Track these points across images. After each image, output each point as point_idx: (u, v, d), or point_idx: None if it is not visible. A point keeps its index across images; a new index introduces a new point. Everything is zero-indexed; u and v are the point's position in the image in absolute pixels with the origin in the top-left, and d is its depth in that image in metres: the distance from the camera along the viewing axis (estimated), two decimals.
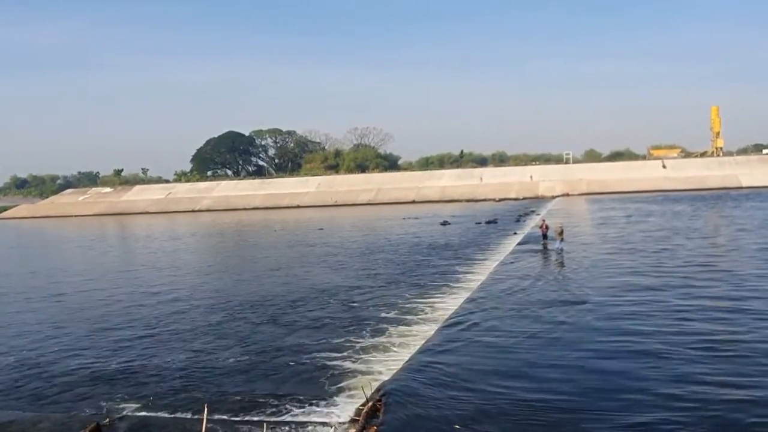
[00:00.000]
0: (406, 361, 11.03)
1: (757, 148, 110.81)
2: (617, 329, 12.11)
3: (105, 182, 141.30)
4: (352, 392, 9.76)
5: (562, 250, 23.58)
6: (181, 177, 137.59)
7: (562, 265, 21.08)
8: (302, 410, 9.17)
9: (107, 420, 9.09)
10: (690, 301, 14.11)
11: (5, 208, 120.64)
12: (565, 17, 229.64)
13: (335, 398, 9.60)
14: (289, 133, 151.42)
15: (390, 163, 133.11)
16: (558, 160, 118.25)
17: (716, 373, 9.32)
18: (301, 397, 9.66)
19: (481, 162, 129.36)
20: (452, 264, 23.58)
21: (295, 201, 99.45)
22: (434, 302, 16.46)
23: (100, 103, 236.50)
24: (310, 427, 8.60)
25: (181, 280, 23.36)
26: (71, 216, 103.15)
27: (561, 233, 24.19)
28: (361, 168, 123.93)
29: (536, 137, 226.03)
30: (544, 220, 28.21)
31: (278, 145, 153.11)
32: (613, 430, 7.64)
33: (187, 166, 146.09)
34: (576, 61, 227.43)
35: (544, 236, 26.28)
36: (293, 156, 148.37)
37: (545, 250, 24.54)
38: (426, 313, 15.19)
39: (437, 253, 27.43)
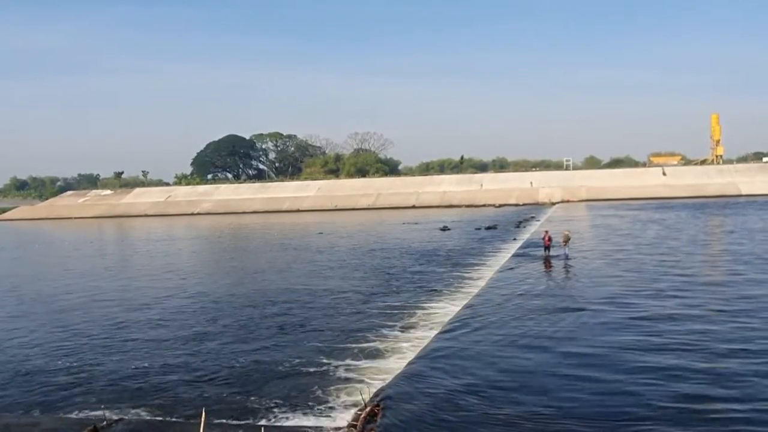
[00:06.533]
0: (405, 367, 11.02)
1: (757, 157, 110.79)
2: (615, 336, 12.11)
3: (105, 184, 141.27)
4: (350, 397, 9.74)
5: (566, 256, 23.56)
6: (182, 180, 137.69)
7: (561, 271, 21.07)
8: (300, 415, 9.16)
9: (104, 423, 9.07)
10: (684, 310, 14.11)
11: (4, 210, 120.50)
12: (565, 24, 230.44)
13: (333, 403, 9.58)
14: (290, 137, 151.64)
15: (390, 168, 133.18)
16: (558, 166, 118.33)
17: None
18: (299, 402, 9.64)
19: (482, 168, 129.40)
20: (451, 270, 23.56)
21: (295, 205, 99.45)
22: (433, 308, 16.44)
23: (100, 106, 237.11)
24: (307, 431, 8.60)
25: (175, 283, 23.34)
26: (70, 218, 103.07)
27: (567, 240, 24.15)
28: (362, 173, 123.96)
29: (536, 144, 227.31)
30: (546, 232, 25.91)
31: (279, 149, 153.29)
32: None
33: (188, 170, 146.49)
34: (577, 68, 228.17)
35: (546, 248, 24.50)
36: (294, 160, 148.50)
37: (547, 261, 23.39)
38: (425, 319, 15.17)
39: (437, 258, 27.41)
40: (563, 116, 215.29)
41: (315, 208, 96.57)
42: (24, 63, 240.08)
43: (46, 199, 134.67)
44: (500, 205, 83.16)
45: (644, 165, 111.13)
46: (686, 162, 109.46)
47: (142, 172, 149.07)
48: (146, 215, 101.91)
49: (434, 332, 13.51)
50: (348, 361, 11.68)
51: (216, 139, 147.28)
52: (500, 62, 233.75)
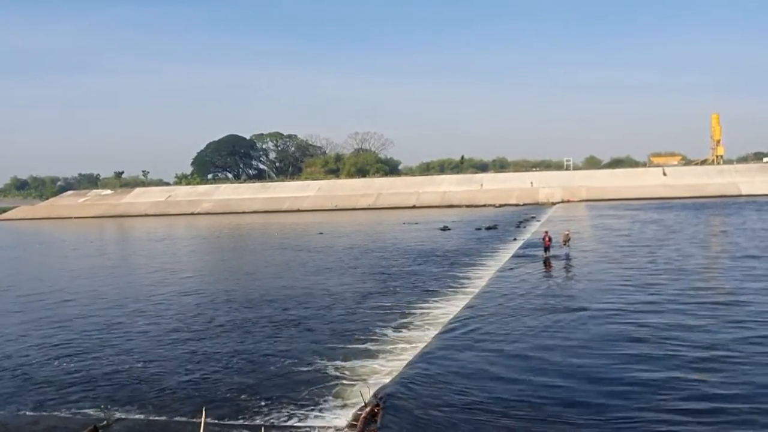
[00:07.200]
0: (405, 367, 11.01)
1: (758, 157, 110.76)
2: (615, 337, 12.11)
3: (105, 184, 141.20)
4: (349, 397, 9.74)
5: (567, 256, 23.54)
6: (182, 180, 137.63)
7: (562, 271, 21.07)
8: (300, 414, 9.15)
9: (105, 422, 9.07)
10: (685, 307, 14.11)
11: (4, 210, 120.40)
12: (565, 24, 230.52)
13: (332, 403, 9.58)
14: (290, 137, 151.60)
15: (390, 168, 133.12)
16: (558, 166, 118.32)
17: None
18: (297, 402, 9.63)
19: (482, 168, 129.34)
20: (451, 270, 23.54)
21: (296, 205, 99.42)
22: (433, 308, 16.43)
23: (101, 106, 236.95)
24: (308, 431, 8.60)
25: (173, 283, 23.32)
26: (70, 218, 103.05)
27: (567, 240, 24.12)
28: (362, 173, 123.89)
29: (537, 144, 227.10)
30: (546, 232, 25.65)
31: (279, 149, 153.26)
32: None
33: (188, 169, 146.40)
34: (577, 68, 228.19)
35: (546, 249, 24.27)
36: (294, 160, 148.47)
37: (547, 261, 23.19)
38: (426, 320, 15.16)
39: (437, 258, 27.40)
40: (563, 116, 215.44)
41: (315, 208, 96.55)
42: (24, 63, 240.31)
43: (47, 198, 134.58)
44: (500, 205, 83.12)
45: (644, 165, 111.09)
46: (686, 162, 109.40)
47: (143, 171, 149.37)
48: (146, 215, 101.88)
49: (434, 332, 13.50)
50: (346, 362, 11.65)
51: (216, 139, 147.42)
52: (500, 62, 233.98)
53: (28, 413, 9.81)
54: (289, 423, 8.89)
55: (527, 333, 12.67)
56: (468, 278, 21.31)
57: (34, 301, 20.44)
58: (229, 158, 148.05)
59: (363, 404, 9.14)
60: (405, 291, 19.23)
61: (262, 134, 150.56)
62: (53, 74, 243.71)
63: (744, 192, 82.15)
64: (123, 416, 9.39)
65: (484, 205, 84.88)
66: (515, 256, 25.98)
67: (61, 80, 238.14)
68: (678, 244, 27.37)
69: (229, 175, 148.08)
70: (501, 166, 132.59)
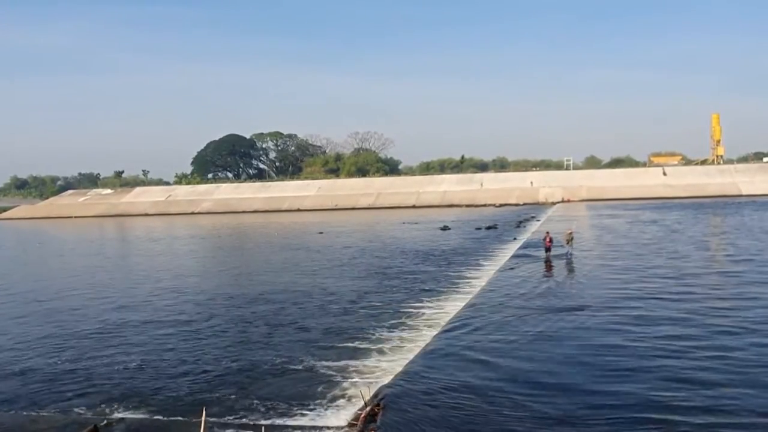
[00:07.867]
0: (405, 366, 11.01)
1: (758, 157, 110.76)
2: (615, 338, 12.10)
3: (105, 184, 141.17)
4: (350, 396, 9.73)
5: (569, 255, 23.57)
6: (182, 179, 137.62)
7: (562, 272, 21.07)
8: (300, 413, 9.14)
9: (105, 422, 9.06)
10: (683, 313, 14.11)
11: (4, 209, 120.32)
12: (565, 24, 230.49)
13: (333, 402, 9.57)
14: (290, 136, 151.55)
15: (390, 168, 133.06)
16: (558, 166, 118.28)
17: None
18: (299, 401, 9.62)
19: (482, 167, 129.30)
20: (451, 270, 23.54)
21: (296, 205, 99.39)
22: (433, 308, 16.42)
23: (101, 105, 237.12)
24: (308, 431, 8.58)
25: (171, 282, 23.32)
26: (71, 217, 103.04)
27: (570, 240, 24.17)
28: (362, 172, 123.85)
29: (537, 143, 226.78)
30: (548, 233, 25.23)
31: (279, 148, 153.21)
32: None
33: (188, 169, 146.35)
34: (577, 68, 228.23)
35: (548, 249, 23.99)
36: (294, 160, 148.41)
37: (548, 261, 23.08)
38: (425, 320, 15.15)
39: (437, 258, 27.40)
40: (563, 116, 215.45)
41: (315, 207, 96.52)
42: (24, 63, 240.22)
43: (47, 198, 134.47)
44: (500, 205, 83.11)
45: (644, 165, 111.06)
46: (687, 162, 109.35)
47: (143, 171, 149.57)
48: (147, 214, 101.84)
49: (434, 332, 13.50)
50: (344, 361, 11.64)
51: (216, 138, 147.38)
52: (500, 62, 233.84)
53: (27, 413, 9.79)
54: (289, 422, 8.88)
55: (528, 333, 12.66)
56: (467, 278, 21.30)
57: (33, 301, 20.46)
58: (229, 158, 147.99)
59: (363, 404, 9.14)
60: (404, 291, 19.21)
61: (262, 134, 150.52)
62: (53, 74, 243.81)
63: (744, 192, 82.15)
64: (123, 416, 9.38)
65: (484, 205, 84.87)
66: (515, 256, 25.98)
67: (61, 80, 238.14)
68: (678, 245, 27.37)
69: (229, 175, 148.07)
70: (501, 165, 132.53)
